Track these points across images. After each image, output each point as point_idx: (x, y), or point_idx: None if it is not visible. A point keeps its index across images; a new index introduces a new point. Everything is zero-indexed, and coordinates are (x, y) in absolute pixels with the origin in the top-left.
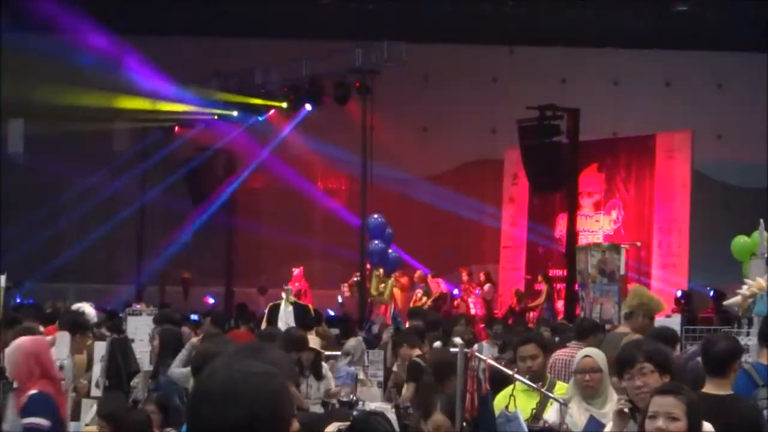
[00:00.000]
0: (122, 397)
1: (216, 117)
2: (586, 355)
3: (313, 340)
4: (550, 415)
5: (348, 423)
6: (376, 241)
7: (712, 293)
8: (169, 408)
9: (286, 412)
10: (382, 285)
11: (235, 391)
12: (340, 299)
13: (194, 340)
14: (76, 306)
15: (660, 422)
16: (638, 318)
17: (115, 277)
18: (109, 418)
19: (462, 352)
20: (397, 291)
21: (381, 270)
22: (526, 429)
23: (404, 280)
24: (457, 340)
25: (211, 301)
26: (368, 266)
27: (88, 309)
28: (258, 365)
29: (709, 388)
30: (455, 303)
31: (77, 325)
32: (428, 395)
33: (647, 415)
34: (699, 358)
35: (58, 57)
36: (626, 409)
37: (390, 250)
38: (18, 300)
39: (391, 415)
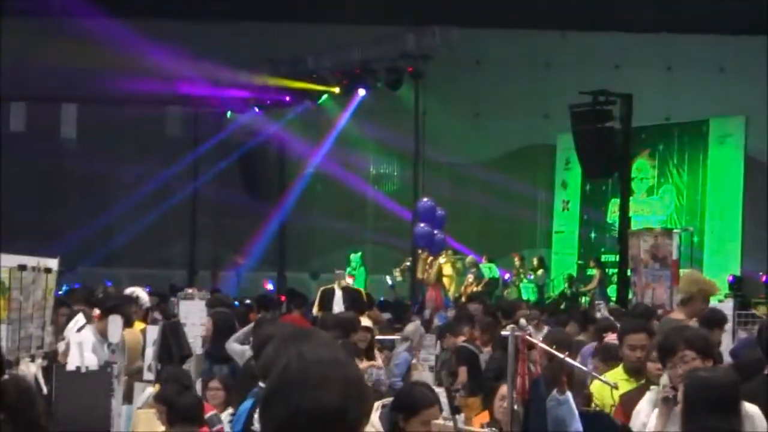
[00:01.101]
0: (182, 376)
1: (268, 102)
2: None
3: (366, 321)
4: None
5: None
6: (422, 225)
7: (765, 279)
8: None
9: (368, 394)
10: (429, 267)
11: (329, 375)
12: (389, 281)
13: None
14: (129, 290)
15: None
16: (697, 303)
17: (167, 262)
18: (164, 401)
19: (513, 335)
20: (448, 276)
21: (426, 253)
22: (576, 412)
23: (457, 265)
24: (522, 321)
25: (269, 287)
26: (420, 251)
27: (141, 293)
28: (328, 352)
29: None
30: (506, 289)
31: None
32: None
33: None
34: None
35: (111, 41)
36: (671, 396)
37: (436, 232)
38: (64, 287)
39: (443, 398)
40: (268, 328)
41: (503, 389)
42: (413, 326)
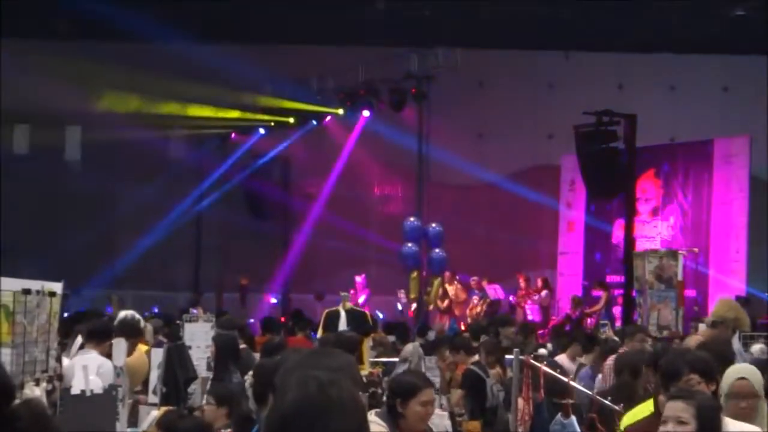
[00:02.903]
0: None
1: (272, 124)
2: (741, 377)
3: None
4: None
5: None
6: (410, 245)
7: None
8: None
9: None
10: (429, 287)
11: (351, 402)
12: (399, 306)
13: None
14: (124, 314)
15: (669, 426)
16: (727, 330)
17: (172, 284)
18: (165, 427)
19: (517, 359)
20: (455, 298)
21: (415, 273)
22: None
23: (460, 287)
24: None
25: (273, 300)
26: (424, 272)
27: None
28: (339, 375)
29: None
30: (513, 310)
31: (133, 331)
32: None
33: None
34: None
35: (116, 63)
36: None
37: (437, 250)
38: (72, 310)
39: (446, 421)
40: (268, 363)
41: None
42: (411, 347)
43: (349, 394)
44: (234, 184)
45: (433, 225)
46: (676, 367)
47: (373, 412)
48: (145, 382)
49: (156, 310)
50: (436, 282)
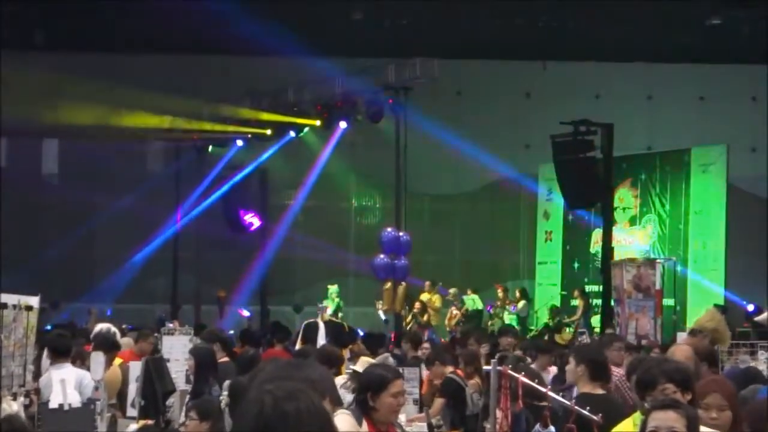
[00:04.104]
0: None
1: (249, 136)
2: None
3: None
4: None
5: None
6: (381, 256)
7: (752, 308)
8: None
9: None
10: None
11: (310, 414)
12: (382, 316)
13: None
14: (104, 327)
15: None
16: (705, 340)
17: (150, 297)
18: None
19: (495, 369)
20: (429, 305)
21: (389, 284)
22: None
23: (436, 298)
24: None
25: (246, 313)
26: (403, 283)
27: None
28: (297, 387)
29: None
30: (490, 320)
31: (110, 345)
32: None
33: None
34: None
35: (89, 76)
36: None
37: (403, 260)
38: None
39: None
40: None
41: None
42: (381, 358)
43: (307, 405)
44: (212, 195)
45: (401, 234)
46: (652, 376)
47: (339, 410)
48: (121, 396)
49: (131, 327)
50: (401, 288)
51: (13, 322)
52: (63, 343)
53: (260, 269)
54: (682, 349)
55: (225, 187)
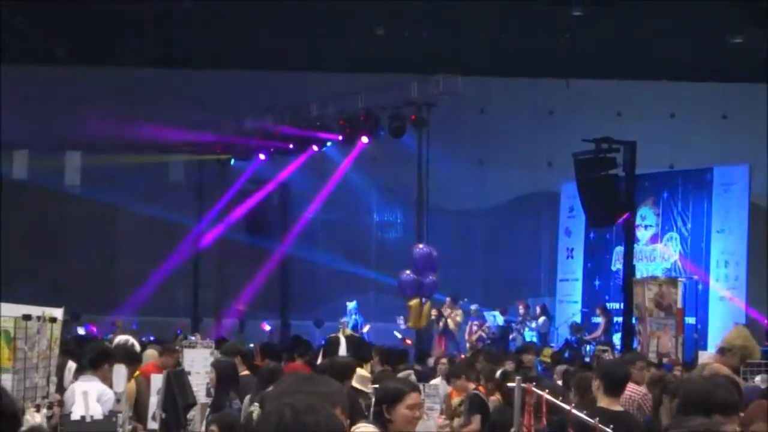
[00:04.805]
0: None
1: (272, 150)
2: None
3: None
4: None
5: None
6: (408, 272)
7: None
8: None
9: None
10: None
11: (328, 427)
12: (398, 335)
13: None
14: (123, 339)
15: None
16: (734, 358)
17: (171, 310)
18: None
19: (519, 386)
20: (453, 323)
21: (416, 300)
22: None
23: (457, 313)
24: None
25: (267, 327)
26: (423, 299)
27: (134, 341)
28: (315, 401)
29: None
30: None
31: (132, 358)
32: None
33: None
34: None
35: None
36: None
37: (431, 276)
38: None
39: None
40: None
41: None
42: (404, 375)
43: (325, 419)
44: (234, 209)
45: (433, 251)
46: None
47: (362, 423)
48: (137, 408)
49: (153, 338)
50: (426, 306)
51: (37, 334)
52: (103, 351)
53: (281, 283)
54: (720, 370)
55: (247, 201)
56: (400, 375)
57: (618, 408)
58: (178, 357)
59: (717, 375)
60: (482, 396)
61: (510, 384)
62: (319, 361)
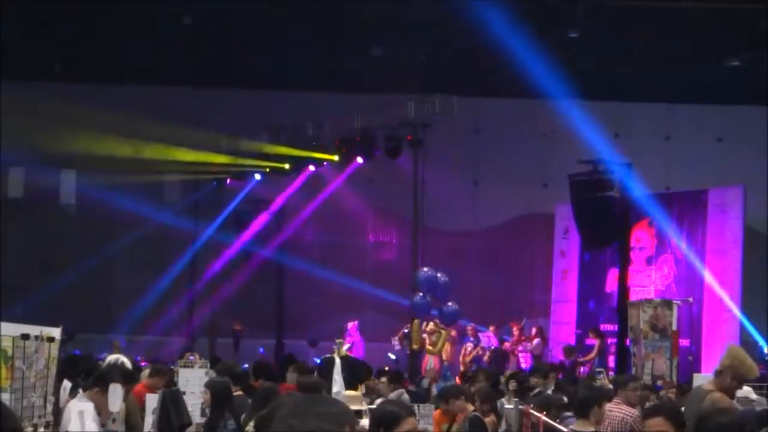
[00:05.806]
0: None
1: (267, 170)
2: None
3: (355, 397)
4: None
5: None
6: (422, 294)
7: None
8: None
9: None
10: (434, 336)
11: None
12: (392, 356)
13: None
14: (113, 358)
15: None
16: (726, 379)
17: (166, 329)
18: None
19: (517, 408)
20: (447, 344)
21: (432, 323)
22: None
23: (453, 333)
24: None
25: (261, 349)
26: (416, 320)
27: (125, 360)
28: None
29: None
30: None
31: (129, 377)
32: None
33: None
34: None
35: (111, 107)
36: None
37: (450, 303)
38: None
39: None
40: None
41: None
42: (395, 394)
43: None
44: (229, 229)
45: (440, 275)
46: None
47: None
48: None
49: (139, 359)
50: (415, 323)
51: (35, 353)
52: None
53: (276, 302)
54: (721, 400)
55: (242, 221)
56: (392, 395)
57: (590, 428)
58: (171, 377)
59: (719, 410)
60: (482, 417)
61: (507, 405)
62: None
